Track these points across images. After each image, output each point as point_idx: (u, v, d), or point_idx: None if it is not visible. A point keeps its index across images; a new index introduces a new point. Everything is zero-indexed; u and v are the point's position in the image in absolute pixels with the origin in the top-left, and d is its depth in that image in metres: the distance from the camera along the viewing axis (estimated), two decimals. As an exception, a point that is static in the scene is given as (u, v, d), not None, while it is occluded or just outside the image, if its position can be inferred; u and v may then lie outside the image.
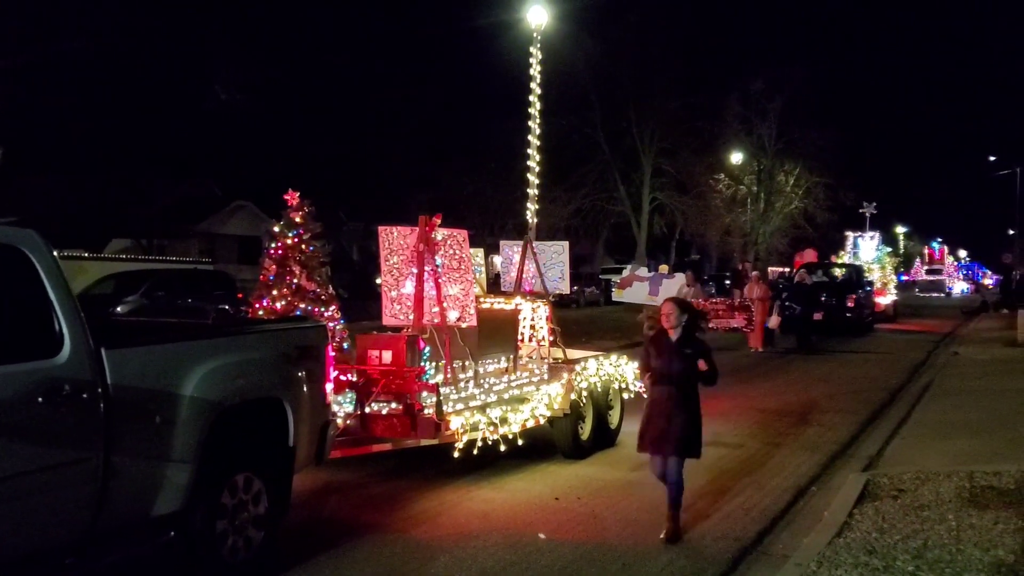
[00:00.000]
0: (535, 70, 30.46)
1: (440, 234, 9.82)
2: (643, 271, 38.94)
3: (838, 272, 34.43)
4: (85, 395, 5.69)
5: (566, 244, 12.42)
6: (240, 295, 26.69)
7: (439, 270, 9.78)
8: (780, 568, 7.17)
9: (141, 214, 40.07)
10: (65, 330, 5.70)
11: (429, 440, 8.99)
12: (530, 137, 30.27)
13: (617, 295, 37.36)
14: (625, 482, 10.10)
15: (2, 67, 24.48)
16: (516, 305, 11.53)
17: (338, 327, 9.79)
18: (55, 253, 5.90)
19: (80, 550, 5.73)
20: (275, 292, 9.44)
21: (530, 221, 30.43)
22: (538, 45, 30.70)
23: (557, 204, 44.30)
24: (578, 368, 10.86)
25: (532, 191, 30.34)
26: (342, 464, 9.67)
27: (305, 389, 7.39)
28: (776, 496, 9.71)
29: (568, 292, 12.35)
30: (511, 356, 11.26)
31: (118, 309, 24.66)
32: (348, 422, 8.93)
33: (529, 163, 30.23)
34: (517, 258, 12.16)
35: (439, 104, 44.10)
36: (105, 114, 34.87)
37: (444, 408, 9.01)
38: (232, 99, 31.41)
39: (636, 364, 12.29)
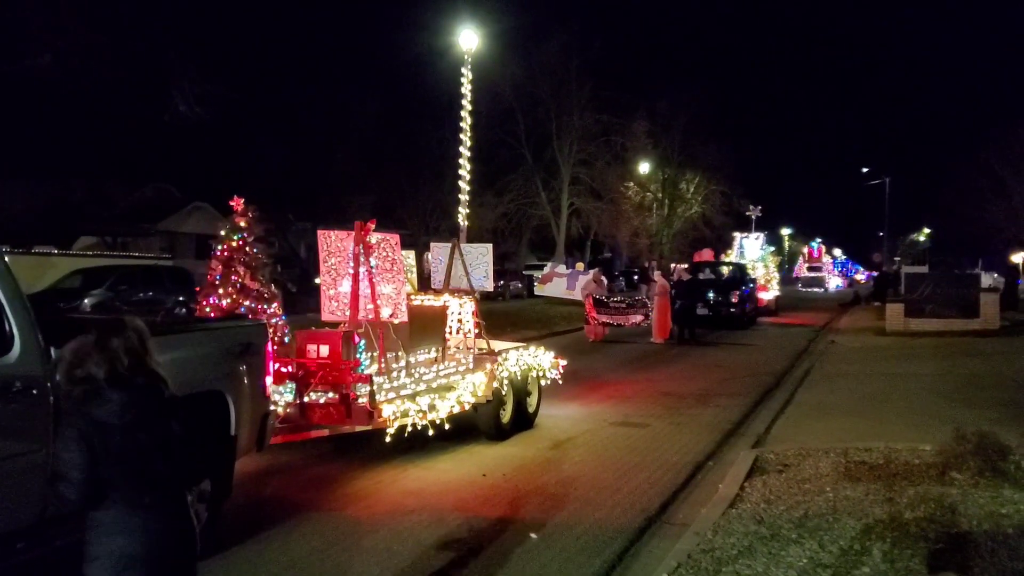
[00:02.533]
0: (466, 88, 30.27)
1: (374, 237, 9.60)
2: (562, 268, 39.16)
3: (724, 270, 34.54)
4: (35, 391, 5.41)
5: (490, 246, 12.25)
6: (197, 288, 26.19)
7: (373, 270, 9.55)
8: (680, 536, 7.15)
9: (106, 214, 39.05)
10: (15, 330, 5.41)
11: (363, 426, 8.75)
12: (461, 148, 30.14)
13: (539, 289, 37.58)
14: (544, 460, 10.01)
15: None
16: (444, 302, 11.33)
17: (279, 322, 9.51)
18: (5, 255, 5.58)
19: (30, 535, 5.44)
20: (221, 291, 9.14)
21: (461, 223, 30.46)
22: (468, 66, 30.62)
23: (485, 207, 44.26)
24: (500, 359, 10.68)
25: (463, 196, 30.25)
26: (284, 448, 9.48)
27: (246, 382, 7.16)
28: (677, 471, 9.69)
29: (492, 290, 12.17)
30: (440, 348, 11.11)
31: (85, 301, 24.17)
32: (288, 410, 8.67)
33: (460, 172, 30.13)
34: (446, 258, 11.95)
35: (378, 113, 43.64)
36: (72, 123, 33.94)
37: (377, 397, 8.79)
38: (190, 110, 30.60)
39: (553, 354, 12.24)
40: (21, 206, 37.35)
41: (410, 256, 12.15)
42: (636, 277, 50.72)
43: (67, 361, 3.85)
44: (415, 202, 44.43)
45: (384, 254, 9.65)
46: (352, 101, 42.27)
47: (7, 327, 5.36)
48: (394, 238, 9.67)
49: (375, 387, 8.83)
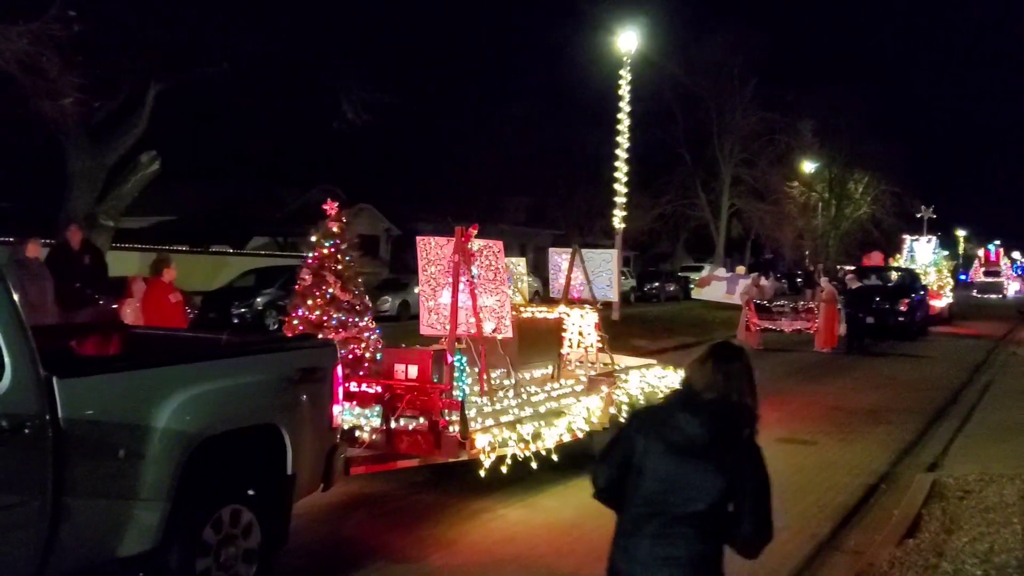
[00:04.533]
0: (624, 90, 29.03)
1: (476, 244, 8.42)
2: (721, 271, 37.12)
3: (892, 276, 31.62)
4: (28, 430, 4.45)
5: (614, 252, 10.90)
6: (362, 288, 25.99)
7: (475, 280, 8.36)
8: (854, 567, 6.56)
9: (276, 215, 39.62)
10: (6, 356, 4.45)
11: (454, 459, 7.53)
12: (618, 151, 28.95)
13: (696, 293, 35.65)
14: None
15: (161, 89, 24.05)
16: (560, 313, 10.04)
17: (372, 337, 8.42)
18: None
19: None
20: (309, 302, 8.12)
21: (616, 225, 29.13)
22: (628, 68, 29.21)
23: (642, 209, 42.46)
24: (618, 381, 9.26)
25: (619, 199, 29.05)
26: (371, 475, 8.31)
27: (307, 413, 6.06)
28: (848, 493, 8.93)
29: (616, 300, 10.82)
30: (555, 364, 9.86)
31: (258, 300, 24.51)
32: (374, 437, 7.56)
33: (616, 174, 28.93)
34: (565, 265, 10.65)
35: (533, 114, 42.71)
36: (246, 127, 34.52)
37: (471, 425, 7.58)
38: (356, 116, 30.49)
39: (682, 374, 10.72)
40: (198, 208, 38.36)
41: (520, 264, 10.95)
42: (800, 281, 47.84)
43: (693, 363, 3.61)
44: (570, 203, 43.19)
45: (487, 262, 8.46)
46: (508, 102, 41.54)
47: (-6, 355, 4.43)
48: (497, 245, 8.46)
49: (468, 414, 7.63)
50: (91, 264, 13.62)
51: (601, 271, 10.62)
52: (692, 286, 38.05)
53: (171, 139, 26.83)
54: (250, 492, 5.72)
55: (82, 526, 4.74)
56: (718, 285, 33.91)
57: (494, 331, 8.51)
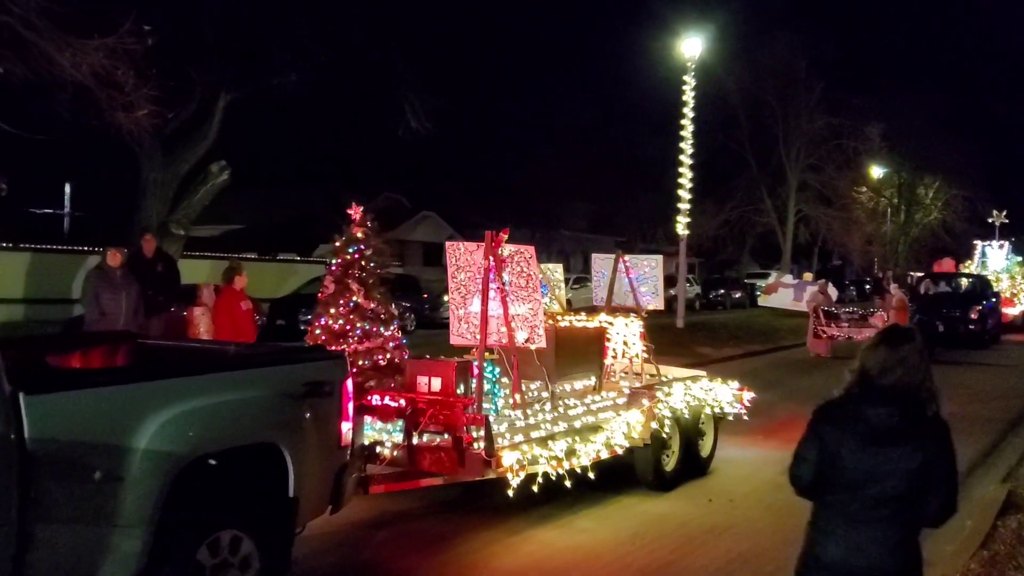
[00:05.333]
0: (688, 96, 28.22)
1: (507, 250, 7.85)
2: (788, 278, 35.89)
3: (963, 282, 30.13)
4: (-10, 452, 4.03)
5: (660, 258, 10.21)
6: (424, 296, 25.83)
7: (507, 288, 7.80)
8: None
9: (341, 223, 39.50)
10: (-34, 371, 4.05)
11: (478, 477, 6.96)
12: (682, 156, 28.15)
13: (763, 300, 34.51)
14: (710, 523, 7.87)
15: (230, 99, 24.23)
16: (601, 321, 9.41)
17: (398, 347, 7.89)
18: None
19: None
20: (332, 311, 7.63)
21: (680, 232, 28.32)
22: (692, 73, 28.38)
23: (707, 215, 41.35)
24: (661, 394, 8.58)
25: (683, 205, 28.24)
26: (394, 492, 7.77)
27: (312, 431, 5.57)
28: None
29: (662, 308, 10.15)
30: (597, 375, 9.23)
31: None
32: (395, 453, 7.04)
33: (680, 180, 28.14)
34: (608, 272, 10.02)
35: (597, 121, 41.98)
36: (312, 137, 34.69)
37: (500, 441, 7.02)
38: (420, 124, 30.27)
39: (736, 385, 10.01)
40: (266, 216, 38.49)
41: (557, 270, 10.35)
42: (869, 287, 46.23)
43: (865, 351, 3.64)
44: (633, 209, 42.29)
45: (518, 268, 7.88)
46: (571, 109, 40.87)
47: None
48: (529, 251, 7.89)
49: (499, 428, 7.08)
50: (164, 272, 13.63)
51: (647, 278, 9.98)
52: (758, 293, 36.89)
53: (240, 149, 26.98)
54: (248, 515, 5.23)
55: (53, 554, 4.33)
56: (785, 292, 32.84)
57: (527, 341, 7.93)
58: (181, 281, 14.78)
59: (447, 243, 8.24)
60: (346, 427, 5.86)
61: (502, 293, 7.84)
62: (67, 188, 35.15)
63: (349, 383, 5.90)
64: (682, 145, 27.84)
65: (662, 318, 30.84)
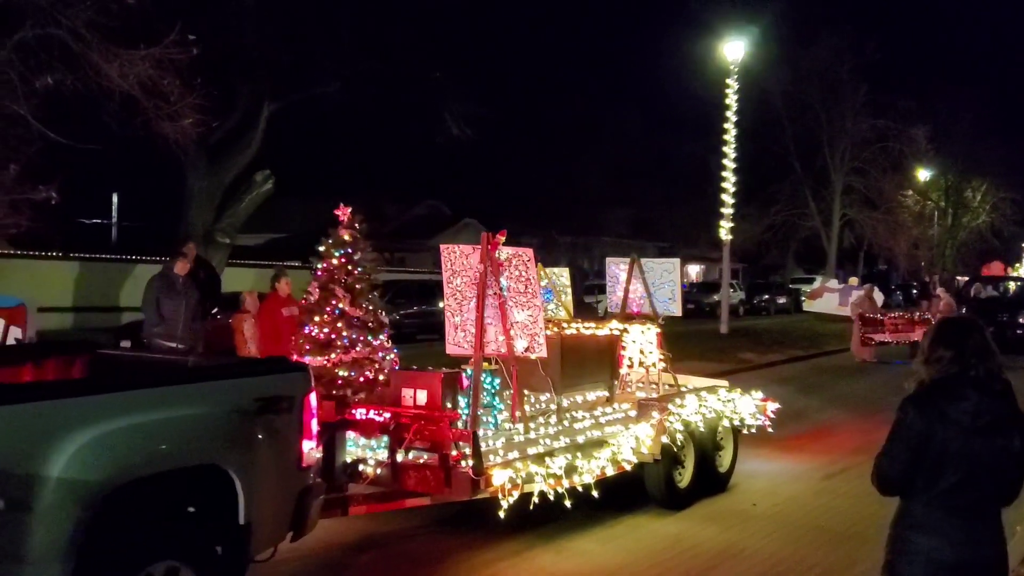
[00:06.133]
0: (731, 99, 27.34)
1: (504, 253, 7.19)
2: (833, 282, 34.72)
3: (1011, 286, 28.69)
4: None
5: (677, 262, 9.43)
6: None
7: (504, 293, 7.13)
8: None
9: (382, 230, 39.28)
10: None
11: (465, 498, 6.28)
12: (725, 160, 27.27)
13: (808, 305, 33.38)
14: (724, 545, 7.11)
15: (274, 109, 24.13)
16: (612, 329, 8.69)
17: (389, 357, 7.24)
18: None
19: None
20: (317, 319, 7.01)
21: (724, 237, 27.42)
22: (734, 76, 27.50)
23: (749, 220, 40.17)
24: (672, 406, 7.82)
25: (726, 209, 27.34)
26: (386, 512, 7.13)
27: (267, 451, 4.96)
28: None
29: (679, 314, 9.38)
30: (609, 387, 8.53)
31: None
32: (379, 471, 6.40)
33: (724, 184, 27.26)
34: (623, 277, 9.28)
35: (637, 126, 41.11)
36: (352, 144, 34.43)
37: (490, 459, 6.37)
38: (460, 131, 29.84)
39: (759, 396, 9.21)
40: (309, 225, 38.21)
41: (563, 275, 9.64)
42: (915, 292, 44.62)
43: (930, 340, 3.57)
44: (675, 214, 41.25)
45: (516, 273, 7.21)
46: (611, 114, 40.04)
47: None
48: (527, 253, 7.22)
49: (494, 444, 6.42)
50: (205, 279, 13.46)
51: (663, 282, 9.22)
52: (803, 298, 35.72)
53: (283, 159, 26.80)
54: (189, 544, 4.64)
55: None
56: (830, 297, 31.82)
57: (527, 350, 7.26)
58: (222, 288, 14.71)
59: (441, 246, 7.61)
60: (308, 446, 5.24)
61: (500, 299, 7.19)
62: (114, 198, 35.32)
63: (312, 398, 5.28)
64: (725, 149, 27.13)
65: (705, 324, 30.18)
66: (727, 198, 27.21)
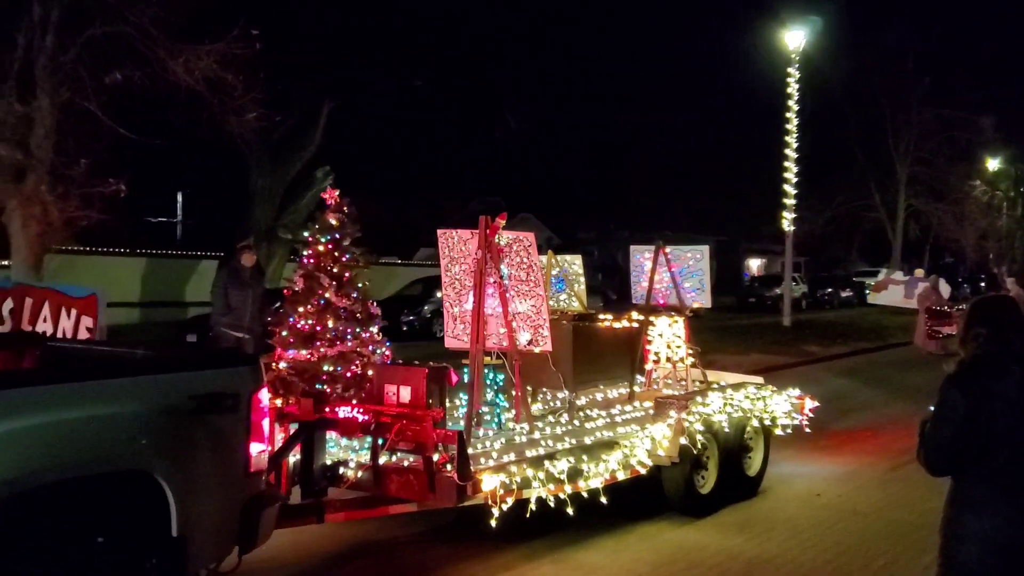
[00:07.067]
0: (792, 88, 26.14)
1: (504, 238, 6.44)
2: (898, 274, 33.01)
3: None
4: None
5: (706, 249, 8.51)
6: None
7: (505, 282, 6.37)
8: None
9: (439, 226, 38.78)
10: None
11: (450, 505, 5.52)
12: (787, 151, 26.10)
13: (872, 298, 31.79)
14: (752, 555, 6.25)
15: (333, 106, 24.13)
16: (632, 321, 7.85)
17: (380, 351, 6.52)
18: None
19: None
20: (300, 309, 6.33)
21: (786, 229, 26.27)
22: (796, 65, 26.28)
23: (811, 211, 38.50)
24: (692, 405, 6.94)
25: (788, 200, 26.17)
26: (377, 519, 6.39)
27: (205, 455, 4.31)
28: None
29: (709, 305, 8.48)
30: (630, 384, 7.71)
31: (425, 308, 23.85)
32: (360, 475, 5.69)
33: (786, 174, 26.10)
34: (648, 265, 8.41)
35: (696, 119, 39.80)
36: (413, 143, 34.05)
37: (482, 462, 5.65)
38: (520, 127, 29.26)
39: (796, 392, 8.31)
40: (368, 220, 37.89)
41: (576, 262, 8.80)
42: (983, 284, 42.41)
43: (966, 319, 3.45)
44: (735, 207, 39.79)
45: (518, 259, 6.44)
46: (670, 106, 38.82)
47: None
48: (528, 238, 6.46)
49: (493, 445, 5.68)
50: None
51: (691, 272, 8.32)
52: (867, 291, 34.19)
53: (342, 156, 26.59)
54: (106, 560, 4.00)
55: None
56: (895, 289, 30.21)
57: (530, 344, 6.48)
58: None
59: (439, 231, 6.91)
60: (257, 449, 4.56)
61: (500, 288, 6.43)
62: (179, 197, 35.59)
63: (263, 395, 4.61)
64: (787, 139, 25.99)
65: (767, 316, 29.15)
66: (789, 188, 26.14)
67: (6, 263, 14.18)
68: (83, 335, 9.20)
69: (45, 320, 9.62)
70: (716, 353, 17.75)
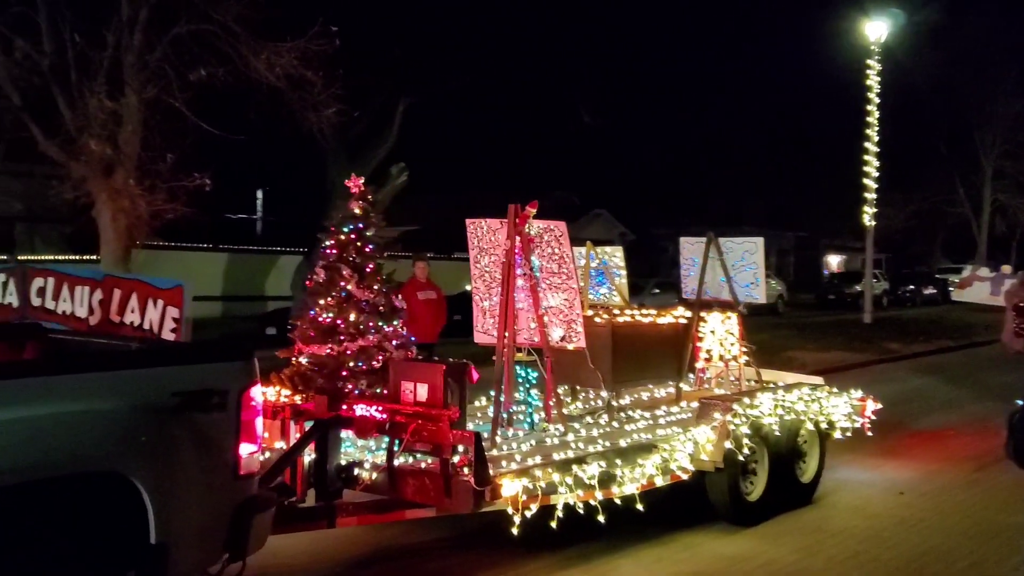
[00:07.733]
0: (873, 80, 24.97)
1: (535, 228, 5.93)
2: (984, 271, 31.25)
3: None
4: None
5: (760, 241, 7.82)
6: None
7: (536, 274, 5.87)
8: None
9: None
10: None
11: (467, 511, 5.04)
12: (867, 144, 24.95)
13: (956, 295, 30.11)
14: (804, 568, 5.64)
15: (408, 104, 24.13)
16: (677, 317, 7.24)
17: (404, 345, 6.06)
18: None
19: None
20: (321, 302, 5.93)
21: (867, 224, 25.15)
22: (877, 57, 25.10)
23: (892, 207, 36.78)
24: (738, 407, 6.30)
25: (869, 195, 25.03)
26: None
27: (190, 457, 3.92)
28: None
29: (763, 300, 7.83)
30: (676, 383, 7.12)
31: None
32: (374, 477, 5.26)
33: (866, 168, 24.96)
34: (699, 259, 7.79)
35: (774, 113, 38.40)
36: (486, 138, 33.74)
37: (504, 465, 5.17)
38: (594, 122, 28.82)
39: (858, 394, 7.59)
40: (441, 217, 37.74)
41: (617, 254, 8.21)
42: (1071, 282, 39.84)
43: None
44: (815, 202, 38.22)
45: (549, 250, 5.93)
46: (747, 101, 37.53)
47: None
48: (560, 228, 5.95)
49: (522, 448, 5.20)
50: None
51: (744, 265, 7.68)
52: (951, 289, 32.52)
53: (416, 153, 26.48)
54: (78, 568, 3.65)
55: None
56: (981, 286, 28.44)
57: (562, 340, 5.96)
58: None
59: (468, 220, 6.44)
60: (247, 450, 4.17)
61: (531, 281, 5.93)
62: (259, 194, 36.03)
63: (255, 392, 4.20)
64: (868, 132, 24.85)
65: (848, 314, 28.06)
66: (870, 183, 25.02)
67: (95, 257, 14.54)
68: (169, 326, 9.22)
69: (133, 311, 9.65)
70: (796, 350, 17.16)
